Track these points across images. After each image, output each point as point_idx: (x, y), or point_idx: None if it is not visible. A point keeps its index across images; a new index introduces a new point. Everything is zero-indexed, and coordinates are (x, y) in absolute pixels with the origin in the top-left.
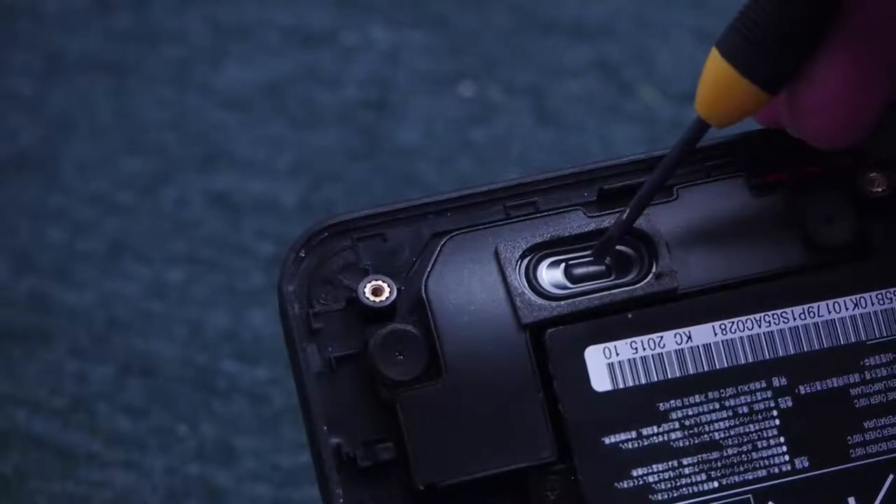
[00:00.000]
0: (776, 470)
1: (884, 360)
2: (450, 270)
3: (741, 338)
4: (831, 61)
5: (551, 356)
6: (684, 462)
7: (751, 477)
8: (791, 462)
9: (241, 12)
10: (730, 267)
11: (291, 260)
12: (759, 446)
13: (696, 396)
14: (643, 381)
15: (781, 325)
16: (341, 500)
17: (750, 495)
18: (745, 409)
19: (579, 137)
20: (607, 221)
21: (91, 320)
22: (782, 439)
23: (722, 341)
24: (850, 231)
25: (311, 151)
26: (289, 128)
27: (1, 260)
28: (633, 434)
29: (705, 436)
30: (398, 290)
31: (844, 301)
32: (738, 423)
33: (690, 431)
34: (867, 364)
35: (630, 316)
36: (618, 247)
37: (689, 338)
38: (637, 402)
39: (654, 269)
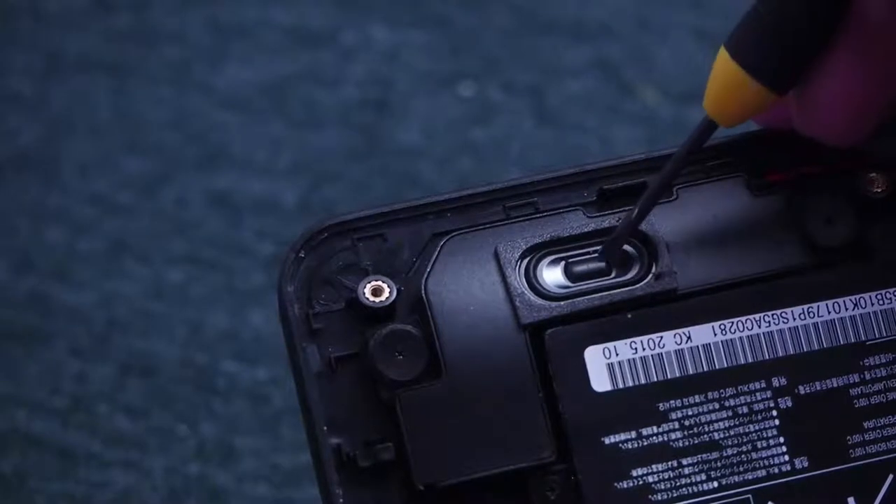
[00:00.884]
0: (776, 470)
1: (883, 361)
2: (450, 271)
3: (741, 338)
4: (839, 59)
5: (551, 356)
6: (684, 462)
7: (750, 477)
8: (791, 462)
9: (241, 12)
10: (729, 267)
11: (291, 260)
12: (759, 446)
13: (696, 396)
14: (643, 381)
15: (781, 326)
16: (341, 501)
17: (750, 495)
18: (745, 409)
19: (579, 137)
20: (607, 222)
21: (91, 320)
22: (782, 439)
23: (722, 341)
24: (849, 231)
25: (311, 151)
26: (289, 128)
27: (1, 260)
28: (633, 434)
29: (705, 436)
30: (398, 290)
31: (844, 301)
32: (737, 423)
33: (690, 431)
34: (867, 364)
35: (630, 316)
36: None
37: (689, 338)
38: (637, 402)
39: (653, 270)
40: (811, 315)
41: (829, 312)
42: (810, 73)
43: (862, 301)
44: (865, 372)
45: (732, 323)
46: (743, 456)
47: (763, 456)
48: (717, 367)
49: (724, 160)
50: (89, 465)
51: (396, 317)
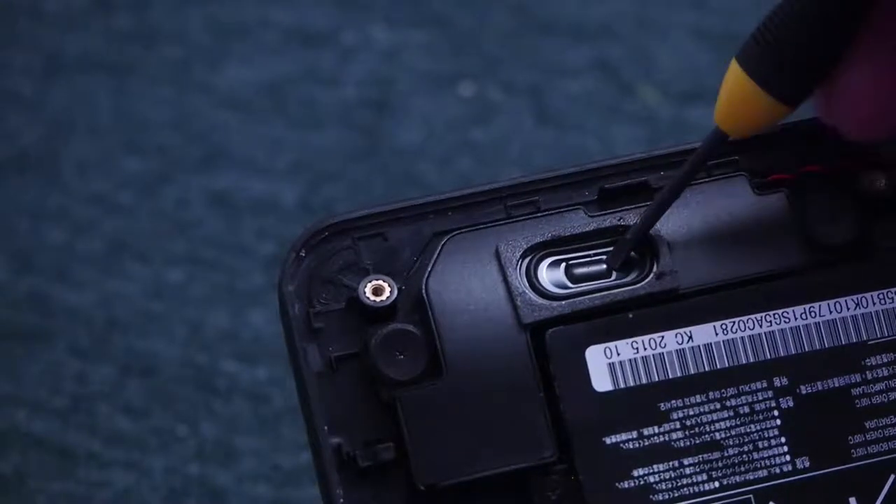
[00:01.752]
0: (777, 470)
1: (885, 360)
2: (450, 270)
3: (742, 338)
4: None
5: (552, 356)
6: (685, 462)
7: (752, 477)
8: (792, 462)
9: (241, 12)
10: (731, 266)
11: (292, 259)
12: (761, 446)
13: (697, 396)
14: (644, 381)
15: (782, 325)
16: (342, 501)
17: (751, 495)
18: (746, 409)
19: (579, 137)
20: (609, 221)
21: (91, 320)
22: (783, 439)
23: (723, 341)
24: (851, 231)
25: (311, 151)
26: (289, 128)
27: (1, 260)
28: (634, 434)
29: (706, 436)
30: (399, 289)
31: (846, 301)
32: (739, 423)
33: (691, 431)
34: (868, 364)
35: (631, 316)
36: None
37: (690, 338)
38: (638, 402)
39: (655, 269)
40: (812, 315)
41: (831, 312)
42: (835, 70)
43: (863, 301)
44: (867, 372)
45: (734, 322)
46: (744, 456)
47: (764, 456)
48: (718, 366)
49: (726, 159)
50: (89, 465)
51: (397, 316)
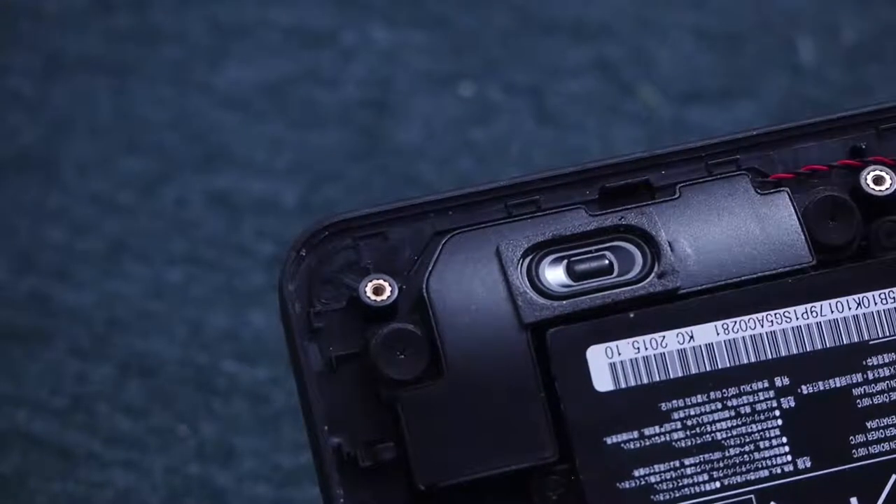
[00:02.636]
0: (778, 470)
1: (886, 361)
2: (451, 269)
3: (743, 337)
4: None
5: (553, 356)
6: (686, 462)
7: (753, 477)
8: (793, 462)
9: (241, 12)
10: (732, 266)
11: (292, 259)
12: (762, 446)
13: (699, 396)
14: (645, 381)
15: (784, 325)
16: (342, 501)
17: (752, 496)
18: (748, 409)
19: (579, 137)
20: (609, 220)
21: (91, 320)
22: (785, 439)
23: (724, 341)
24: (852, 230)
25: (311, 151)
26: (289, 128)
27: (1, 260)
28: (635, 434)
29: (707, 436)
30: (399, 289)
31: (847, 300)
32: (740, 423)
33: (692, 431)
34: (870, 364)
35: (632, 315)
36: (621, 244)
37: (692, 337)
38: (639, 402)
39: (656, 269)
40: (814, 314)
41: (832, 312)
42: None
43: (865, 300)
44: (868, 372)
45: (735, 322)
46: (745, 456)
47: (766, 456)
48: (719, 366)
49: (727, 158)
50: (89, 465)
51: (398, 316)
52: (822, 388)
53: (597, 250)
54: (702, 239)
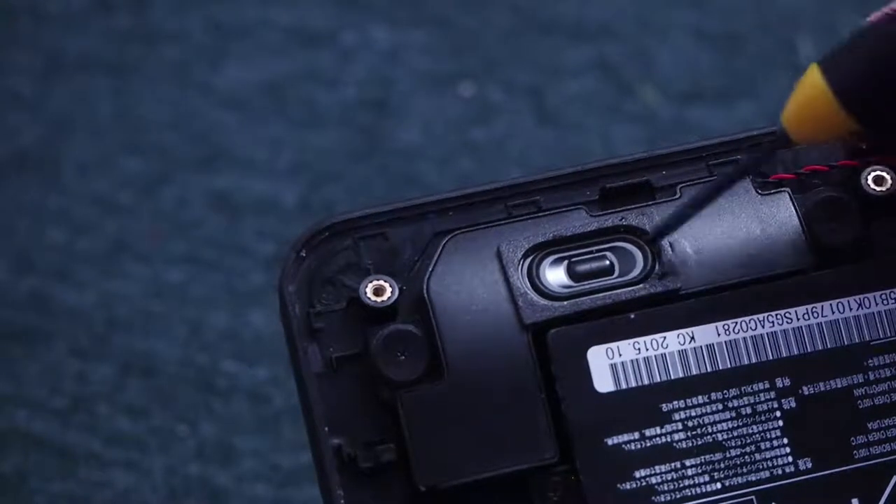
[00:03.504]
0: (779, 471)
1: (888, 361)
2: (452, 270)
3: (744, 338)
4: None
5: (554, 357)
6: (687, 463)
7: (754, 478)
8: (794, 463)
9: (241, 12)
10: (733, 267)
11: (292, 260)
12: (763, 447)
13: (700, 397)
14: (646, 382)
15: (785, 326)
16: (342, 502)
17: (753, 496)
18: (749, 410)
19: (579, 137)
20: (610, 220)
21: (91, 320)
22: (786, 440)
23: (725, 342)
24: (853, 231)
25: (311, 151)
26: (289, 128)
27: (1, 260)
28: (636, 435)
29: (708, 437)
30: (400, 289)
31: (848, 301)
32: (741, 423)
33: (693, 432)
34: (871, 365)
35: (633, 316)
36: (622, 245)
37: (693, 338)
38: (640, 403)
39: (657, 269)
40: (815, 315)
41: (833, 312)
42: None
43: (866, 301)
44: (869, 372)
45: (736, 323)
46: (746, 457)
47: (767, 457)
48: (720, 367)
49: (728, 159)
50: (89, 465)
51: (398, 317)
52: (823, 388)
53: (597, 251)
54: (702, 239)
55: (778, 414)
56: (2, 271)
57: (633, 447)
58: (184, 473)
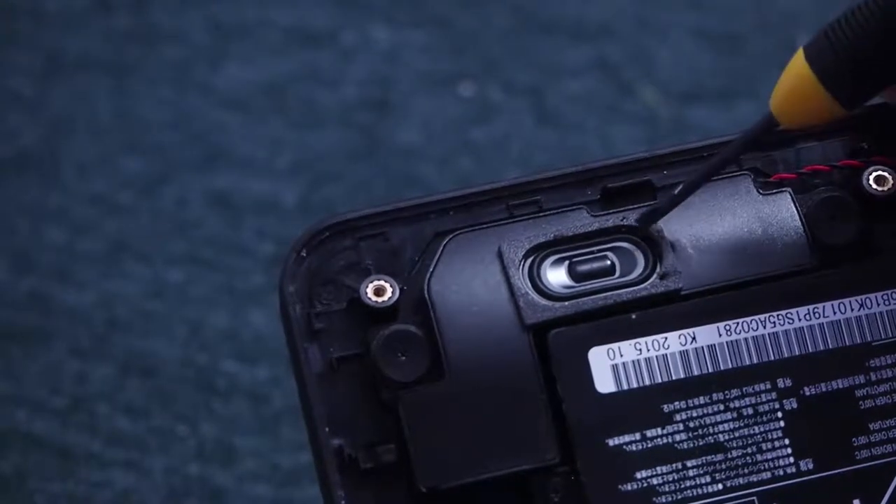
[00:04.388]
0: (781, 472)
1: (889, 362)
2: (452, 270)
3: (746, 339)
4: None
5: (555, 357)
6: (688, 464)
7: (755, 479)
8: (796, 464)
9: (241, 12)
10: (734, 267)
11: (293, 260)
12: (764, 448)
13: (701, 398)
14: (647, 383)
15: (786, 326)
16: (343, 502)
17: (755, 497)
18: (750, 411)
19: (579, 137)
20: (611, 220)
21: (91, 320)
22: (787, 441)
23: (726, 342)
24: (855, 231)
25: (311, 151)
26: (289, 128)
27: (1, 260)
28: (637, 436)
29: (710, 437)
30: (400, 290)
31: (850, 301)
32: (742, 424)
33: (695, 433)
34: (872, 365)
35: (634, 317)
36: (623, 244)
37: (694, 339)
38: (641, 404)
39: (658, 270)
40: (816, 316)
41: (835, 313)
42: None
43: (868, 301)
44: (871, 373)
45: (737, 323)
46: (748, 458)
47: (768, 458)
48: (721, 368)
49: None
50: (89, 465)
51: (399, 317)
52: (824, 389)
53: (598, 251)
54: (704, 239)
55: (779, 414)
56: (2, 271)
57: (634, 448)
58: (184, 473)
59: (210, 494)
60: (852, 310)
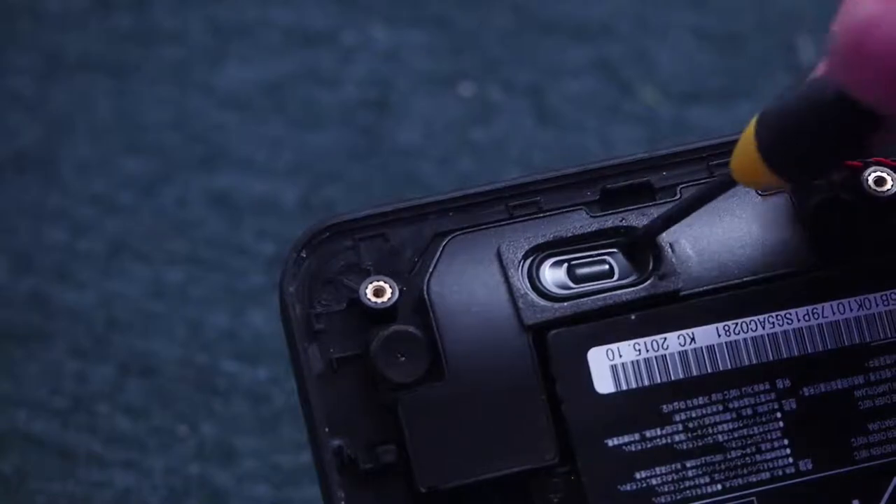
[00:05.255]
0: (780, 472)
1: (888, 362)
2: (452, 271)
3: (745, 339)
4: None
5: (554, 358)
6: (688, 464)
7: (754, 479)
8: (795, 464)
9: (241, 12)
10: (733, 267)
11: (293, 260)
12: (763, 448)
13: (700, 398)
14: (646, 383)
15: (785, 327)
16: (343, 503)
17: (754, 498)
18: (749, 412)
19: (579, 137)
20: (611, 221)
21: (91, 320)
22: (786, 441)
23: (725, 343)
24: (854, 232)
25: (311, 151)
26: (289, 128)
27: (1, 260)
28: (637, 436)
29: (709, 438)
30: (400, 290)
31: (849, 302)
32: (741, 425)
33: (694, 434)
34: (871, 366)
35: (633, 317)
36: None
37: (693, 339)
38: (640, 404)
39: (657, 270)
40: (815, 316)
41: (834, 313)
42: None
43: (867, 302)
44: (870, 373)
45: (736, 324)
46: (747, 458)
47: (767, 458)
48: (720, 368)
49: (728, 159)
50: (89, 465)
51: (398, 318)
52: (823, 389)
53: (598, 252)
54: (703, 240)
55: (778, 415)
56: (2, 271)
57: (633, 448)
58: (184, 473)
59: (210, 494)
60: (851, 310)
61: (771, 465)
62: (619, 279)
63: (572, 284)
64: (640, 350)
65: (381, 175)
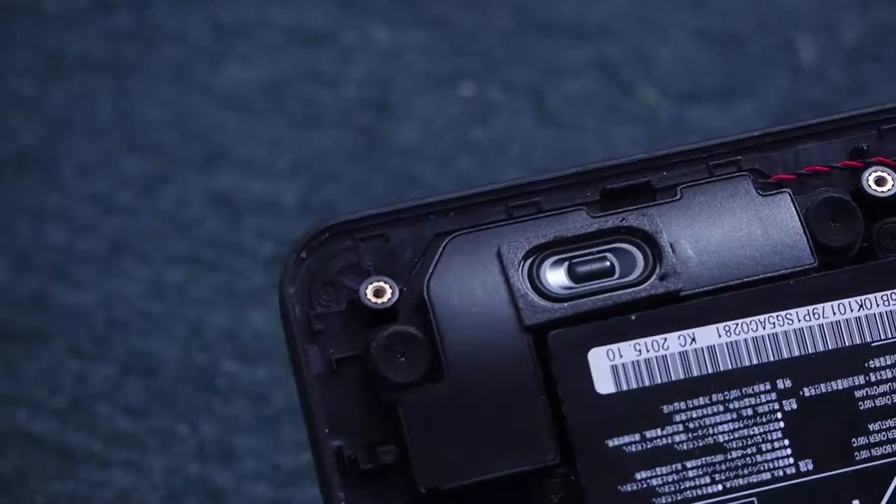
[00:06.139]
0: (780, 473)
1: (889, 363)
2: (452, 271)
3: (745, 339)
4: None
5: (554, 358)
6: (688, 465)
7: (755, 480)
8: (795, 465)
9: (241, 12)
10: (734, 268)
11: (292, 261)
12: (764, 449)
13: (700, 399)
14: (647, 384)
15: (786, 327)
16: (342, 503)
17: (754, 498)
18: (750, 412)
19: (579, 137)
20: (611, 221)
21: (91, 320)
22: (787, 442)
23: (726, 343)
24: (854, 232)
25: (311, 151)
26: (289, 128)
27: (1, 260)
28: (637, 437)
29: (709, 438)
30: (400, 291)
31: (849, 302)
32: (742, 425)
33: (694, 434)
34: (872, 366)
35: (634, 318)
36: (622, 245)
37: (693, 339)
38: (640, 405)
39: (657, 271)
40: (816, 316)
41: (834, 314)
42: None
43: (867, 302)
44: (870, 374)
45: (737, 324)
46: (747, 459)
47: (768, 459)
48: (721, 368)
49: (729, 160)
50: (89, 465)
51: (398, 318)
52: (824, 390)
53: (598, 252)
54: (703, 240)
55: (779, 415)
56: (2, 271)
57: (633, 449)
58: (184, 473)
59: (210, 494)
60: (852, 310)
61: (771, 466)
62: (619, 279)
63: (572, 285)
64: (640, 350)
65: (381, 175)
